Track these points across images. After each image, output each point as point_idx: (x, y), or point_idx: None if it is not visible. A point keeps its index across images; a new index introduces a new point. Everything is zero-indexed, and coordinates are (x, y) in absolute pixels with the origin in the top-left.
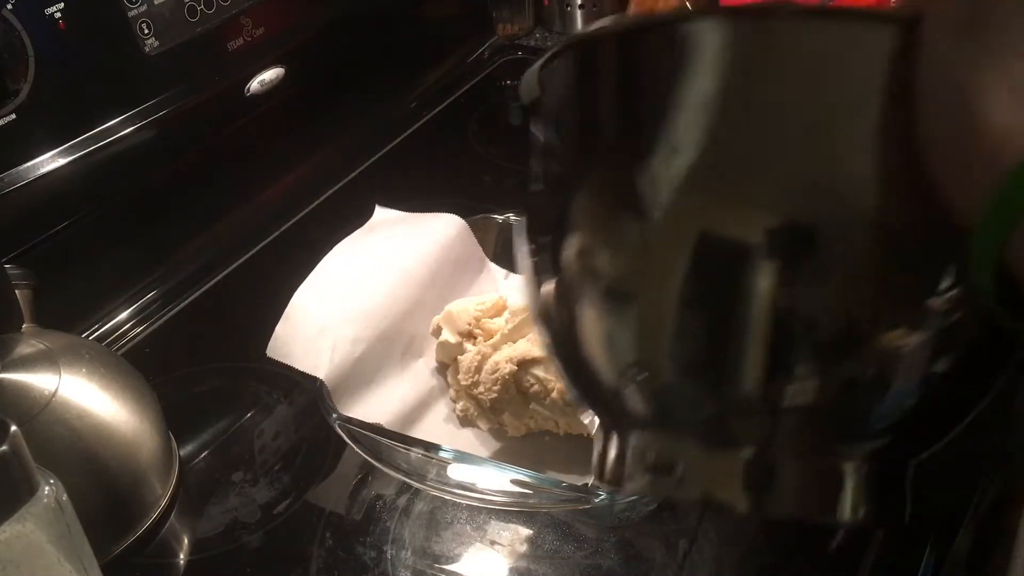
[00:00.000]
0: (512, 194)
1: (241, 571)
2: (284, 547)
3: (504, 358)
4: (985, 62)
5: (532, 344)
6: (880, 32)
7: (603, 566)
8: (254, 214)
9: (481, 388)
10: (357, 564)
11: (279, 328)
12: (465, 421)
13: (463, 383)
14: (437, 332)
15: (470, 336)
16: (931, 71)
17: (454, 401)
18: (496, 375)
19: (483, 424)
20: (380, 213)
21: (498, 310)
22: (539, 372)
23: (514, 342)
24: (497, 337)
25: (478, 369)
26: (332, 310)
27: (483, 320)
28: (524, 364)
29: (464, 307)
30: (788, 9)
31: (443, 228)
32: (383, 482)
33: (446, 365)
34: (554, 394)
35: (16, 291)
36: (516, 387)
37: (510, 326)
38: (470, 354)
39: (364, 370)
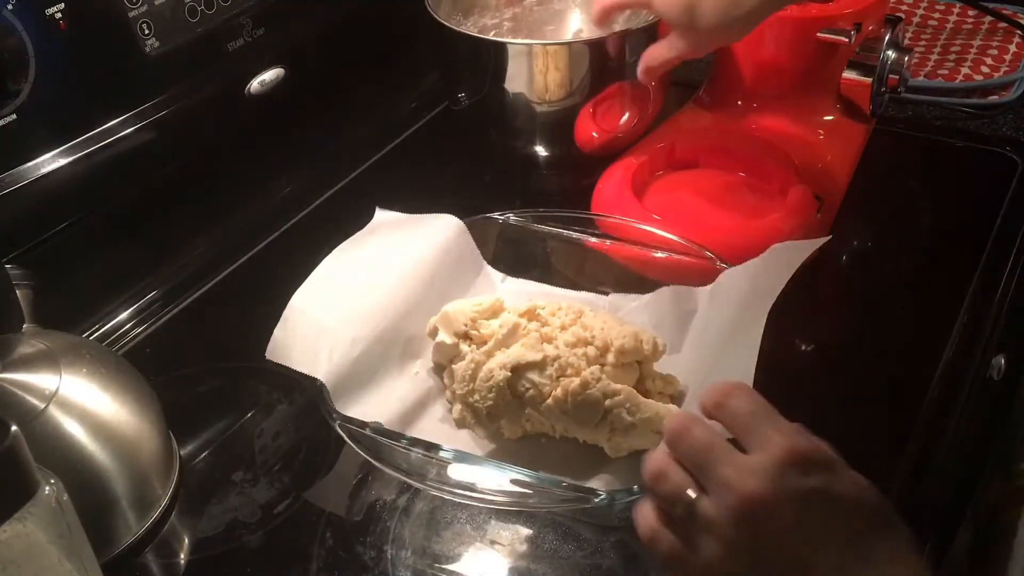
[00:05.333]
0: (512, 194)
1: (241, 571)
2: (284, 547)
3: (497, 364)
4: None
5: (525, 349)
6: None
7: (603, 566)
8: (254, 214)
9: (476, 396)
10: (357, 564)
11: (277, 331)
12: (461, 424)
13: (458, 392)
14: (433, 333)
15: (466, 337)
16: None
17: (450, 403)
18: (490, 383)
19: (480, 431)
20: (380, 215)
21: (495, 311)
22: (534, 376)
23: (507, 348)
24: (491, 344)
25: (472, 377)
26: (330, 311)
27: (479, 321)
28: (518, 369)
29: (460, 308)
30: None
31: (441, 229)
32: (383, 482)
33: (443, 366)
34: (549, 400)
35: (16, 291)
36: (511, 392)
37: (504, 331)
38: (463, 363)
39: (362, 370)
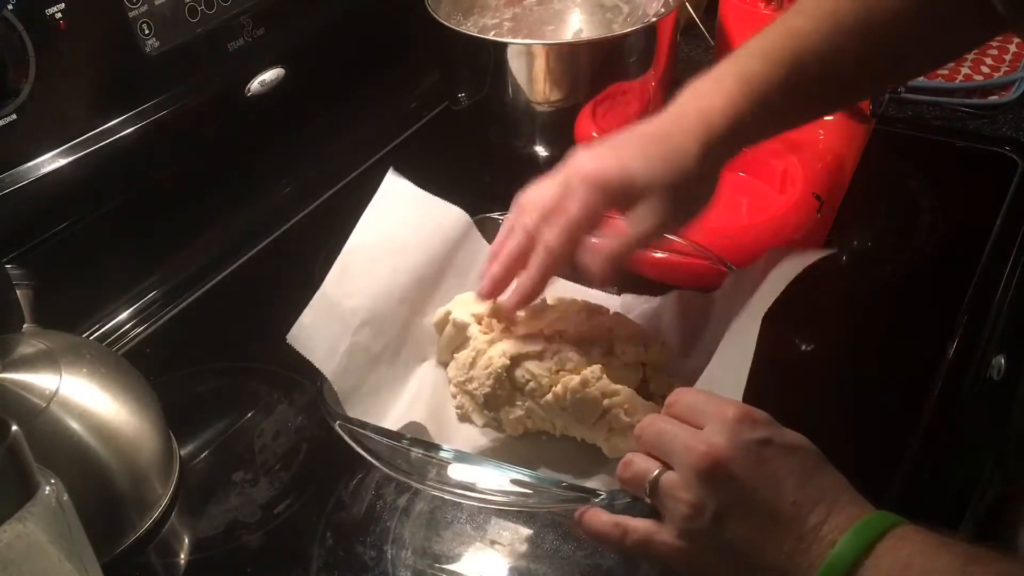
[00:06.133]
0: (512, 194)
1: (241, 571)
2: (284, 547)
3: (498, 352)
4: None
5: (527, 338)
6: None
7: (603, 566)
8: (254, 214)
9: (475, 383)
10: (357, 564)
11: (304, 317)
12: (462, 417)
13: (458, 379)
14: (441, 326)
15: (479, 321)
16: None
17: (454, 397)
18: (489, 369)
19: (478, 420)
20: (392, 182)
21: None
22: (533, 367)
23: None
24: (494, 334)
25: (472, 364)
26: (353, 311)
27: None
28: (517, 358)
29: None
30: None
31: (458, 227)
32: (383, 482)
33: (447, 363)
34: (549, 395)
35: (16, 291)
36: (510, 383)
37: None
38: (465, 351)
39: (373, 378)
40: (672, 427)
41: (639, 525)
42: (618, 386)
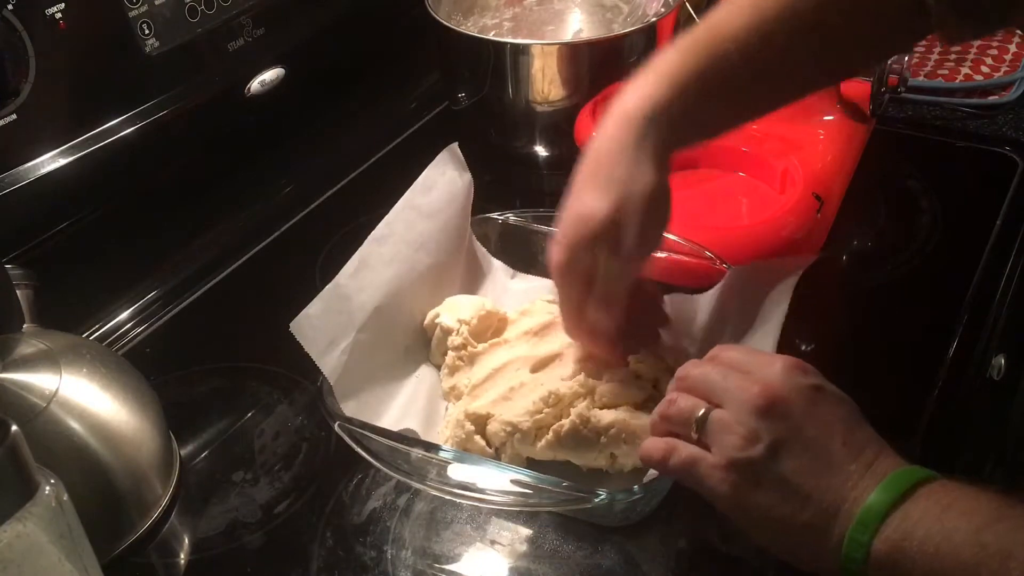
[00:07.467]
0: (512, 194)
1: (241, 571)
2: (284, 547)
3: (458, 413)
4: None
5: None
6: None
7: (603, 566)
8: (254, 214)
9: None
10: (357, 564)
11: (311, 307)
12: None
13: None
14: (432, 326)
15: (462, 347)
16: None
17: (444, 401)
18: (454, 440)
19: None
20: (443, 161)
21: (498, 328)
22: (502, 422)
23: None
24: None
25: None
26: (362, 306)
27: (470, 347)
28: (482, 419)
29: (470, 301)
30: None
31: (462, 228)
32: (383, 482)
33: (439, 365)
34: (542, 442)
35: (17, 291)
36: (486, 440)
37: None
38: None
39: (371, 377)
40: (720, 370)
41: (689, 447)
42: (611, 416)
